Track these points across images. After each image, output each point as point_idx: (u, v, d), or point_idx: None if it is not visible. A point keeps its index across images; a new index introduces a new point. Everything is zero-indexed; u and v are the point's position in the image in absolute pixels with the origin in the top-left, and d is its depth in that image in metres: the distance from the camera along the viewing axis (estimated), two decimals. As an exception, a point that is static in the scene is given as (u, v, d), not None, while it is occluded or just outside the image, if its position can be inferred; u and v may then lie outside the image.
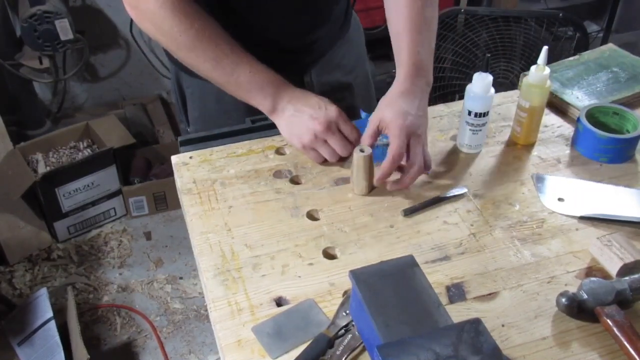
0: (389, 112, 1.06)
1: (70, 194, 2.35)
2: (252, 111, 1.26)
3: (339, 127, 1.12)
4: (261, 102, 1.15)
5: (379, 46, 1.34)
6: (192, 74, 1.30)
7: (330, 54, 1.34)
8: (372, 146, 1.06)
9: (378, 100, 1.34)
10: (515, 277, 0.94)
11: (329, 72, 1.35)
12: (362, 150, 1.04)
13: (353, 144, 1.11)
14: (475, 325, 0.73)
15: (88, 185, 2.38)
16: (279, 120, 1.16)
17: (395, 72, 1.14)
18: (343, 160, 1.14)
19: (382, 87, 1.50)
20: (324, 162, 1.14)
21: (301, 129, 1.11)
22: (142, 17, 1.10)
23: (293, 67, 1.28)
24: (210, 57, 1.11)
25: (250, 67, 1.12)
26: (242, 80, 1.13)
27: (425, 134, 1.09)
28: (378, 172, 1.06)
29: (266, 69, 1.14)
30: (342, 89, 1.38)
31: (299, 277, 0.94)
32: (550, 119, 1.28)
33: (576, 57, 1.42)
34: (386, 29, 1.24)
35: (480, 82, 1.10)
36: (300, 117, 1.12)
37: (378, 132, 1.08)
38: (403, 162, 1.07)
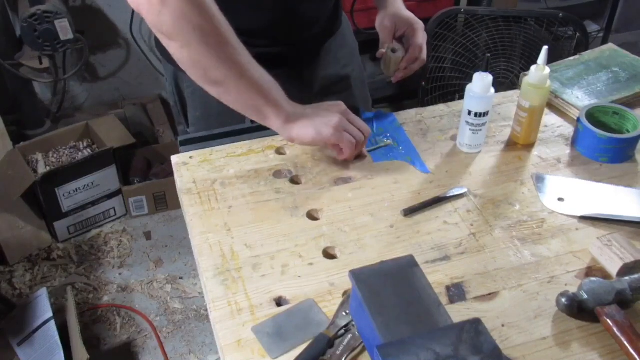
0: (402, 17, 1.28)
1: (70, 194, 2.35)
2: None
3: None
4: (276, 113, 1.08)
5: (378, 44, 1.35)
6: None
7: (326, 47, 1.36)
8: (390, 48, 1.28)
9: (377, 102, 1.35)
10: (515, 277, 0.94)
11: (327, 65, 1.37)
12: (394, 51, 1.27)
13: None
14: (475, 325, 0.73)
15: (88, 185, 2.38)
16: (296, 126, 1.09)
17: None
18: (356, 158, 1.16)
19: (382, 87, 1.50)
20: (354, 149, 1.11)
21: (326, 116, 1.09)
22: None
23: (292, 61, 1.29)
24: (237, 61, 1.03)
25: (270, 81, 1.07)
26: (264, 87, 1.06)
27: None
28: (406, 58, 1.28)
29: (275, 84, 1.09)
30: (341, 81, 1.41)
31: (299, 277, 0.94)
32: (550, 119, 1.28)
33: (576, 57, 1.43)
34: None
35: (480, 82, 1.10)
36: (319, 111, 1.11)
37: (394, 36, 1.29)
38: None
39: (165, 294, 2.22)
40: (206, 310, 2.05)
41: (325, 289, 0.92)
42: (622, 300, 0.87)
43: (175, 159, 1.17)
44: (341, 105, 1.13)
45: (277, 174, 1.13)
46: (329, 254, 0.98)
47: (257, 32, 1.19)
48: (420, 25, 1.29)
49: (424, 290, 0.79)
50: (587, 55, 1.43)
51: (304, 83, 1.35)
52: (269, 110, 1.07)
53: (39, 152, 2.42)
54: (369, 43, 1.54)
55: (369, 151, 1.18)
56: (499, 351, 0.71)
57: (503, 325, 0.87)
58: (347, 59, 1.42)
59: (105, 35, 2.73)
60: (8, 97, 2.54)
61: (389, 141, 1.20)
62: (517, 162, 1.17)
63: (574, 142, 1.20)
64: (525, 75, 1.16)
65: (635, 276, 0.90)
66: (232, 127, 1.24)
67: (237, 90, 1.05)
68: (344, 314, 0.86)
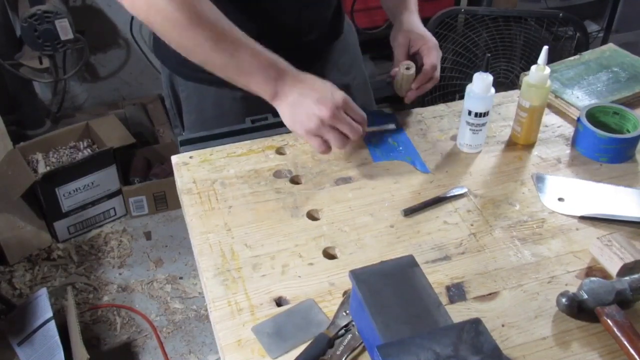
0: (417, 33, 1.24)
1: (70, 194, 2.35)
2: (250, 113, 1.26)
3: (346, 112, 1.07)
4: (263, 87, 1.07)
5: (379, 46, 1.35)
6: (187, 77, 1.30)
7: (326, 54, 1.34)
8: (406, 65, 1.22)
9: (377, 102, 1.33)
10: (516, 277, 0.94)
11: (327, 72, 1.35)
12: (407, 68, 1.20)
13: (362, 125, 1.08)
14: (475, 325, 0.73)
15: (88, 185, 2.37)
16: (282, 106, 1.08)
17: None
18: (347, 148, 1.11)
19: (382, 87, 1.50)
20: (327, 150, 1.07)
21: (307, 115, 1.05)
22: None
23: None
24: (209, 36, 1.02)
25: (252, 48, 1.05)
26: (244, 61, 1.05)
27: None
28: (419, 78, 1.21)
29: (268, 51, 1.07)
30: (340, 89, 1.37)
31: (299, 277, 0.94)
32: (550, 118, 1.28)
33: (576, 57, 1.42)
34: (386, 29, 1.24)
35: (481, 82, 1.10)
36: (305, 101, 1.05)
37: (408, 53, 1.24)
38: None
39: (165, 294, 2.22)
40: (206, 310, 2.05)
41: (325, 289, 0.92)
42: (622, 300, 0.87)
43: (175, 159, 1.17)
44: (337, 97, 1.06)
45: (277, 174, 1.13)
46: (329, 254, 0.98)
47: (255, 37, 1.19)
48: (434, 42, 1.23)
49: (424, 290, 0.79)
50: (587, 55, 1.43)
51: None
52: (255, 89, 1.08)
53: (39, 152, 2.42)
54: (368, 43, 1.53)
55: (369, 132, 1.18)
56: (499, 351, 0.71)
57: (503, 325, 0.87)
58: (349, 66, 1.40)
59: (105, 35, 2.73)
60: (8, 97, 2.54)
61: (392, 126, 1.22)
62: (517, 162, 1.17)
63: (574, 142, 1.20)
64: (525, 75, 1.16)
65: (635, 276, 0.90)
66: (232, 127, 1.24)
67: (222, 70, 1.08)
68: (344, 314, 0.86)
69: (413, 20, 1.27)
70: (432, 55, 1.21)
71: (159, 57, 1.36)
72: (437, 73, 1.23)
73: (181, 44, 1.06)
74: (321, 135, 1.06)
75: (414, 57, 1.25)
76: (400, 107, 1.32)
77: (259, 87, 1.07)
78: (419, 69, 1.22)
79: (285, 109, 1.07)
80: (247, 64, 1.05)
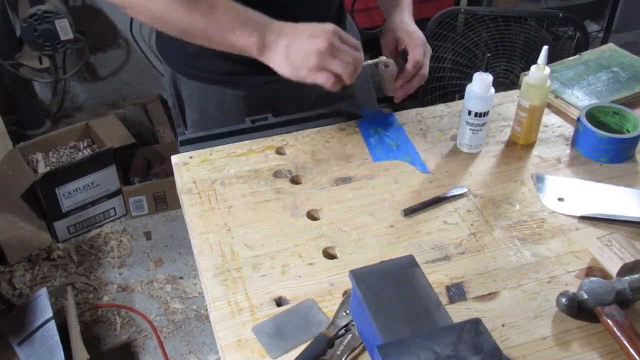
0: (404, 30, 1.21)
1: (70, 194, 2.35)
2: (252, 111, 1.26)
3: (341, 40, 1.04)
4: (247, 40, 1.03)
5: (379, 46, 1.35)
6: (190, 76, 1.30)
7: None
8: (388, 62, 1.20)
9: (379, 102, 1.33)
10: (515, 277, 0.94)
11: None
12: (386, 66, 1.19)
13: (359, 52, 1.07)
14: (475, 325, 0.73)
15: (88, 185, 2.38)
16: (273, 55, 1.04)
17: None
18: (349, 84, 1.08)
19: (382, 87, 1.48)
20: (337, 83, 1.05)
21: (304, 53, 1.01)
22: None
23: None
24: (182, 1, 1.00)
25: (229, 5, 1.02)
26: (223, 18, 1.02)
27: None
28: (401, 77, 1.19)
29: (245, 7, 1.04)
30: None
31: (299, 277, 0.94)
32: (550, 118, 1.28)
33: (576, 56, 1.43)
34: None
35: (481, 82, 1.10)
36: (297, 41, 1.02)
37: (396, 50, 1.21)
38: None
39: (165, 294, 2.22)
40: (206, 310, 2.05)
41: (325, 289, 0.92)
42: (622, 300, 0.87)
43: (175, 159, 1.17)
44: (326, 33, 1.02)
45: (277, 174, 1.13)
46: (329, 254, 0.98)
47: None
48: (420, 40, 1.19)
49: (424, 290, 0.79)
50: (587, 55, 1.43)
51: (303, 90, 1.34)
52: (241, 44, 1.04)
53: (39, 152, 2.42)
54: (369, 43, 1.53)
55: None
56: (499, 351, 0.71)
57: (503, 325, 0.87)
58: None
59: (105, 35, 2.73)
60: (8, 97, 2.54)
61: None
62: (517, 162, 1.17)
63: (574, 142, 1.20)
64: (525, 75, 1.16)
65: (635, 276, 0.90)
66: (231, 127, 1.24)
67: (203, 34, 1.05)
68: (344, 314, 0.86)
69: (402, 17, 1.24)
70: (416, 52, 1.18)
71: (163, 57, 1.36)
72: (424, 70, 1.19)
73: (156, 16, 1.03)
74: (326, 67, 1.02)
75: (404, 54, 1.23)
76: (400, 107, 1.31)
77: (244, 41, 1.03)
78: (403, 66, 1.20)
79: (280, 57, 1.03)
80: (226, 22, 1.02)
